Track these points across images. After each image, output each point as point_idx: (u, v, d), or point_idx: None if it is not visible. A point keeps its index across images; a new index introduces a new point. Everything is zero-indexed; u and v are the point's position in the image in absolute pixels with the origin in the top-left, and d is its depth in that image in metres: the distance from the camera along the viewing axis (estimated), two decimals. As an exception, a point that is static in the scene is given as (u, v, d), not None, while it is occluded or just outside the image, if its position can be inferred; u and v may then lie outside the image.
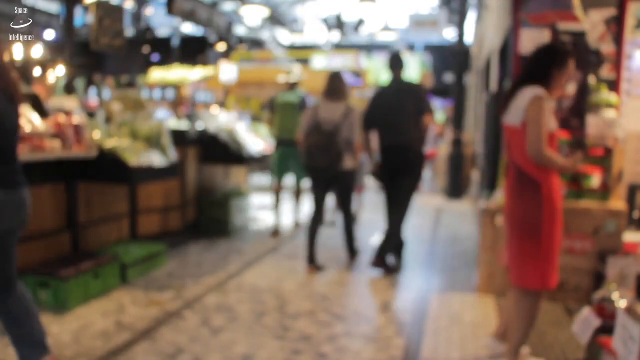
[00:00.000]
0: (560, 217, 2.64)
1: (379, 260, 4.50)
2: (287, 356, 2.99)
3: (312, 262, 4.67)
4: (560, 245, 2.70)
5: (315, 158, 4.43)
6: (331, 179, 4.57)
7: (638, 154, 4.17)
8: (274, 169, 6.04)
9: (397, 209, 4.54)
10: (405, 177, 4.49)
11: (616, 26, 4.12)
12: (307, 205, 7.23)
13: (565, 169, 2.66)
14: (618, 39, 4.13)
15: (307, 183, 5.64)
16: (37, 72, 8.34)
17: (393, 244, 4.57)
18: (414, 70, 16.62)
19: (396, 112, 4.44)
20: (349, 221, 4.77)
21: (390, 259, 4.61)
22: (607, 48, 4.16)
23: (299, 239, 5.86)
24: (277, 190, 6.06)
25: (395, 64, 4.57)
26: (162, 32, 11.76)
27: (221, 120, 6.22)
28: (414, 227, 6.36)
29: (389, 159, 4.50)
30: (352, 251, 4.91)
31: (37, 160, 3.55)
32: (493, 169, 5.47)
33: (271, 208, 6.21)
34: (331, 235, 6.05)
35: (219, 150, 5.78)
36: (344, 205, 4.75)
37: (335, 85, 4.55)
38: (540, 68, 2.63)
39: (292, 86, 6.05)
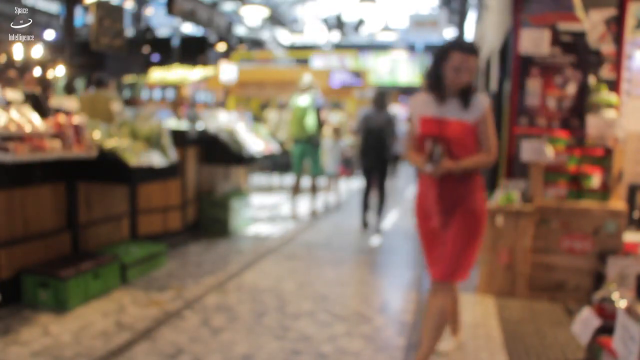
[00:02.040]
0: (420, 215, 2.76)
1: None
2: (287, 356, 2.99)
3: (364, 223, 6.36)
4: (425, 239, 2.75)
5: (370, 151, 6.12)
6: (377, 165, 6.17)
7: (638, 154, 4.17)
8: (294, 165, 6.94)
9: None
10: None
11: (616, 26, 4.11)
12: (321, 199, 7.78)
13: (417, 165, 2.69)
14: (618, 39, 4.13)
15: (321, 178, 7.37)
16: (37, 72, 8.35)
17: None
18: (414, 71, 16.65)
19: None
20: (383, 196, 6.30)
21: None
22: (607, 48, 4.16)
23: (300, 238, 5.86)
24: (296, 186, 6.95)
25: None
26: (162, 32, 11.77)
27: (221, 120, 6.23)
28: (414, 226, 6.36)
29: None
30: (380, 216, 6.32)
31: (37, 160, 3.55)
32: (493, 169, 5.47)
33: (290, 198, 7.07)
34: (332, 236, 6.05)
35: (219, 150, 5.78)
36: (381, 184, 6.26)
37: (382, 100, 6.16)
38: (434, 68, 2.65)
39: (304, 90, 6.79)
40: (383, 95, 6.26)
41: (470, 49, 2.58)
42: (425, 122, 2.66)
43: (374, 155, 6.13)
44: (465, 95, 2.60)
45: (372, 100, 6.30)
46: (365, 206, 6.34)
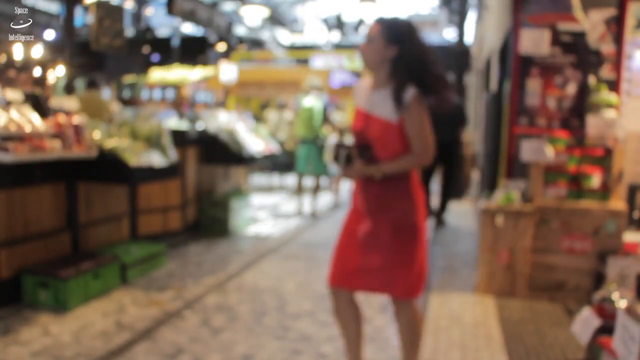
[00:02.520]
0: (352, 209, 2.45)
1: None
2: (287, 356, 2.99)
3: None
4: (343, 233, 2.44)
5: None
6: None
7: (638, 154, 4.17)
8: (298, 165, 7.04)
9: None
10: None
11: (616, 26, 4.12)
12: (324, 198, 8.08)
13: None
14: (618, 39, 4.13)
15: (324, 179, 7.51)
16: (37, 72, 8.35)
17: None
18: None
19: None
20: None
21: None
22: (607, 48, 4.16)
23: (300, 238, 5.86)
24: (299, 186, 7.15)
25: None
26: (162, 32, 11.74)
27: (221, 120, 6.23)
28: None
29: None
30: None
31: (37, 160, 3.55)
32: (493, 169, 5.47)
33: (294, 197, 7.38)
34: (332, 236, 6.05)
35: (219, 150, 5.78)
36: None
37: None
38: None
39: (309, 91, 6.96)
40: None
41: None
42: (357, 114, 2.36)
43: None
44: (394, 88, 2.25)
45: None
46: None
